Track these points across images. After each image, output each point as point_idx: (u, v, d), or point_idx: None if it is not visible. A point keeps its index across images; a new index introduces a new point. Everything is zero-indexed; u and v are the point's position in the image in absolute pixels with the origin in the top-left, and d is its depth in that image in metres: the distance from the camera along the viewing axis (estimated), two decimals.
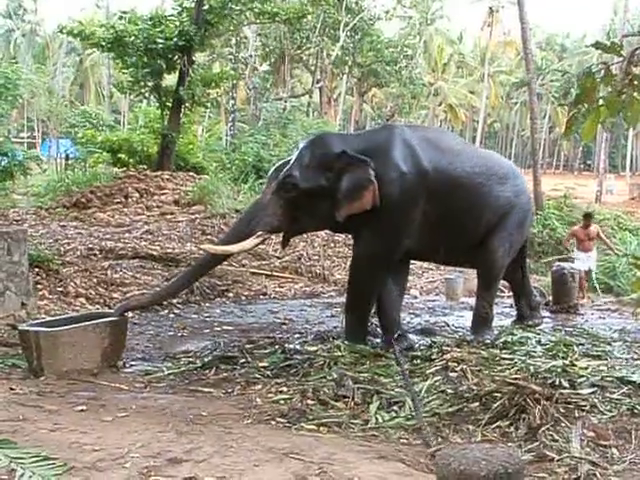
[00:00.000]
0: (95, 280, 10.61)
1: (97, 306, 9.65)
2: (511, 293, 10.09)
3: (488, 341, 7.90)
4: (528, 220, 9.20)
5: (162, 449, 4.42)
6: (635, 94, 4.61)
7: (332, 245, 14.53)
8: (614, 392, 5.76)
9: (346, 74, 43.92)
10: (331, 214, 7.53)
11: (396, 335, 7.86)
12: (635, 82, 4.58)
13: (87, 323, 6.80)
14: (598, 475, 4.36)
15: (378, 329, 8.64)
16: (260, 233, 7.54)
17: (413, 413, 5.49)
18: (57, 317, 7.65)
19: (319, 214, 7.65)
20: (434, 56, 62.13)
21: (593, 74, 4.62)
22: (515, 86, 60.81)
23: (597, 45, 4.81)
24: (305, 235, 14.46)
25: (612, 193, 44.45)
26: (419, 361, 6.94)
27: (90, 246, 12.33)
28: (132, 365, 7.10)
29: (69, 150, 30.42)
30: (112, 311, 7.54)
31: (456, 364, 6.57)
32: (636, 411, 5.37)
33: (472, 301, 10.64)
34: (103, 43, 18.82)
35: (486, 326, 8.58)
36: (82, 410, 5.40)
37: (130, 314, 8.79)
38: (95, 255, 11.97)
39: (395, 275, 8.21)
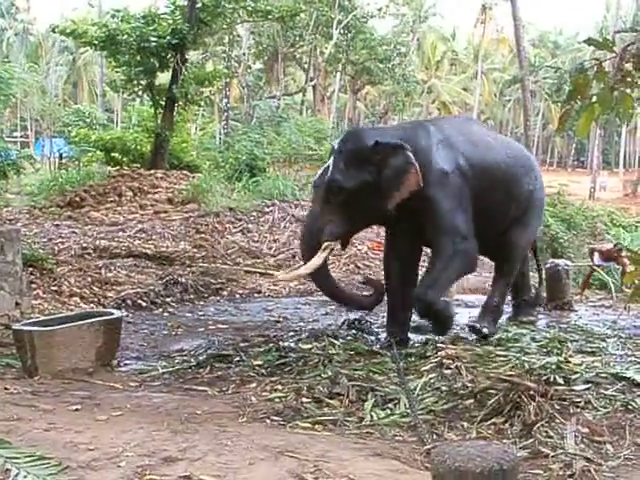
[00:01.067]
0: (89, 279, 10.59)
1: (92, 305, 9.62)
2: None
3: (486, 331, 7.92)
4: (543, 211, 9.42)
5: (157, 448, 4.41)
6: (627, 90, 4.62)
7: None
8: (608, 388, 5.76)
9: (339, 72, 43.99)
10: (381, 206, 7.52)
11: (399, 338, 7.85)
12: (627, 78, 4.59)
13: (81, 322, 6.79)
14: (593, 471, 4.36)
15: (373, 327, 8.67)
16: (326, 245, 7.56)
17: (408, 410, 5.50)
18: (51, 316, 7.64)
19: (371, 209, 7.61)
20: (427, 54, 62.23)
21: (585, 70, 4.62)
22: (508, 83, 60.87)
23: (589, 41, 4.81)
24: (299, 233, 14.47)
25: (605, 190, 44.56)
26: (413, 358, 6.94)
27: (84, 245, 12.32)
28: (126, 364, 7.08)
29: (62, 149, 30.41)
30: (106, 310, 7.53)
31: (450, 361, 6.57)
32: (630, 407, 5.37)
33: (466, 299, 10.69)
34: (96, 42, 18.81)
35: (492, 318, 8.61)
36: (77, 409, 5.39)
37: (124, 313, 8.80)
38: (89, 254, 11.96)
39: (407, 272, 8.23)
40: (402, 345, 7.60)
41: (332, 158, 7.70)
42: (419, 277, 8.22)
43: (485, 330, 7.97)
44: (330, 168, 7.60)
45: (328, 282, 8.04)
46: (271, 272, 12.01)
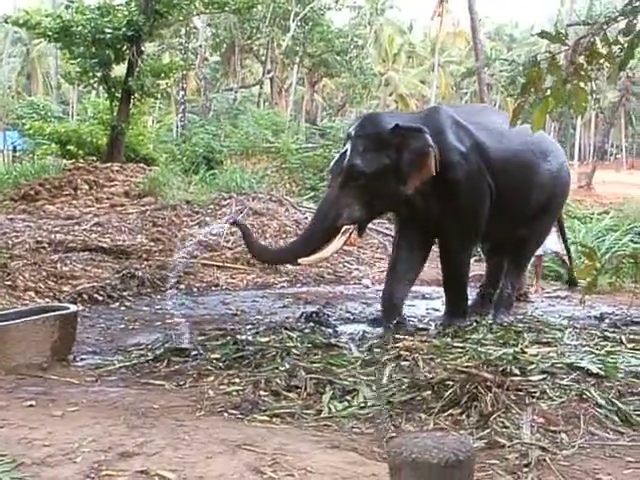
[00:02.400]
0: (44, 273, 10.47)
1: (47, 299, 9.52)
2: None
3: (506, 322, 8.21)
4: (566, 196, 9.73)
5: (113, 443, 4.38)
6: (581, 84, 4.66)
7: (284, 236, 14.48)
8: (563, 378, 5.82)
9: (297, 64, 43.92)
10: (400, 190, 7.69)
11: (395, 322, 7.96)
12: (580, 71, 4.63)
13: (36, 317, 6.71)
14: (548, 460, 4.41)
15: (330, 319, 8.69)
16: (345, 228, 7.68)
17: (367, 402, 5.51)
18: (5, 311, 7.53)
19: (390, 193, 7.78)
20: (384, 46, 62.29)
21: (539, 63, 4.65)
22: (463, 75, 61.16)
23: (542, 34, 4.86)
24: (256, 226, 14.44)
25: None
26: (372, 350, 6.95)
27: (39, 239, 12.16)
28: (82, 359, 7.01)
29: (16, 142, 30.05)
30: (62, 305, 7.46)
31: (408, 353, 6.61)
32: (585, 396, 5.43)
33: (424, 290, 10.75)
34: (50, 33, 18.54)
35: (507, 308, 8.83)
36: (31, 405, 5.32)
37: (80, 307, 8.71)
38: (44, 248, 11.81)
39: (411, 261, 8.32)
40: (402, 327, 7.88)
41: (349, 143, 7.81)
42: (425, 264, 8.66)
43: (505, 321, 8.31)
44: (348, 153, 7.67)
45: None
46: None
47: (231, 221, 9.87)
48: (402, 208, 8.17)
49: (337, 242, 7.72)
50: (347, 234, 7.81)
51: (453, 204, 7.94)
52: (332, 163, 8.17)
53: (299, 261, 8.41)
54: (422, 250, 8.49)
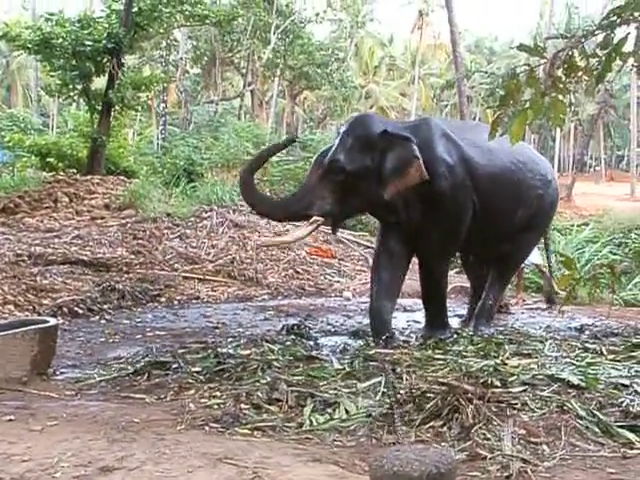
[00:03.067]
0: (24, 286, 10.41)
1: (26, 313, 9.46)
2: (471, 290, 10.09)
3: (487, 334, 8.25)
4: (553, 213, 9.83)
5: (93, 458, 4.35)
6: (559, 96, 4.69)
7: (264, 248, 14.49)
8: (544, 390, 5.82)
9: (277, 77, 43.92)
10: (379, 194, 7.71)
11: (385, 337, 7.91)
12: (558, 84, 4.66)
13: (15, 330, 6.67)
14: (529, 472, 4.40)
15: (311, 332, 8.69)
16: (314, 219, 7.78)
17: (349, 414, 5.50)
18: None
19: (367, 195, 7.82)
20: (365, 59, 62.49)
21: (517, 76, 4.68)
22: (442, 87, 61.43)
23: (521, 47, 4.89)
24: (237, 238, 14.44)
25: None
26: (353, 362, 6.94)
27: (19, 252, 12.10)
28: (62, 372, 6.96)
29: None
30: (42, 318, 7.41)
31: (390, 365, 6.61)
32: (566, 408, 5.44)
33: (405, 302, 10.76)
34: (30, 45, 18.49)
35: (487, 320, 8.88)
36: (10, 420, 5.28)
37: (60, 320, 8.67)
38: (24, 261, 11.75)
39: (394, 272, 8.33)
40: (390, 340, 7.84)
41: (337, 140, 7.86)
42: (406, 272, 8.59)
43: (486, 333, 8.36)
44: (333, 148, 7.75)
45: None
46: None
47: None
48: (382, 213, 8.21)
49: (303, 230, 7.82)
50: (314, 225, 7.89)
51: (435, 214, 7.97)
52: (317, 154, 8.28)
53: (259, 242, 8.52)
54: (404, 260, 8.50)
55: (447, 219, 8.10)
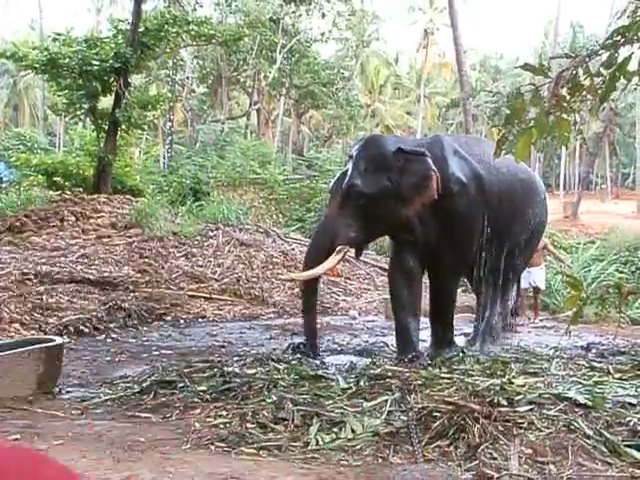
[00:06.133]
0: (30, 305, 10.43)
1: (32, 332, 9.48)
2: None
3: (493, 353, 8.29)
4: (543, 234, 9.97)
5: (99, 477, 4.35)
6: (564, 115, 4.70)
7: (270, 267, 14.51)
8: (551, 409, 5.80)
9: (283, 96, 44.07)
10: (400, 213, 7.73)
11: (411, 356, 7.90)
12: (563, 103, 4.67)
13: (22, 349, 6.68)
14: None
15: (317, 350, 8.67)
16: (340, 248, 7.71)
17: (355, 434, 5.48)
18: None
19: (389, 215, 7.82)
20: (370, 78, 62.57)
21: (522, 95, 4.69)
22: (447, 106, 61.53)
23: (525, 67, 4.91)
24: (243, 257, 14.45)
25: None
26: (361, 382, 6.92)
27: (25, 271, 12.12)
28: (68, 391, 6.98)
29: (3, 173, 29.95)
30: (48, 337, 7.43)
31: (398, 383, 6.58)
32: (572, 427, 5.42)
33: None
34: (37, 65, 18.57)
35: (491, 337, 8.88)
36: (16, 439, 5.28)
37: (66, 339, 8.68)
38: (30, 280, 11.77)
39: (412, 290, 8.32)
40: (418, 361, 7.76)
41: (351, 163, 7.84)
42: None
43: (491, 350, 8.48)
44: (349, 173, 7.70)
45: (312, 297, 8.20)
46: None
47: None
48: (400, 232, 8.19)
49: (331, 260, 7.75)
50: (342, 253, 7.85)
51: (450, 233, 7.99)
52: (332, 182, 8.24)
53: (291, 277, 8.52)
54: (420, 278, 8.51)
55: (461, 236, 8.12)
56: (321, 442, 5.37)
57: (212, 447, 5.23)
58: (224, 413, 6.03)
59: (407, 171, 7.70)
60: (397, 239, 8.46)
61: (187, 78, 41.26)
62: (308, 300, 8.51)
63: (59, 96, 20.49)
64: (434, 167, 7.66)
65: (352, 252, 8.38)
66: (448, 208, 7.84)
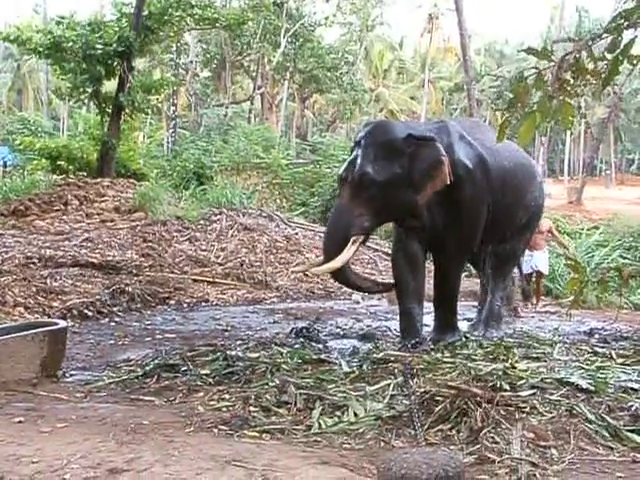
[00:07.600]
0: (34, 289, 10.45)
1: (36, 315, 9.50)
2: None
3: (497, 338, 8.25)
4: (541, 217, 9.92)
5: (102, 459, 4.36)
6: (567, 99, 4.68)
7: (274, 251, 14.52)
8: (553, 393, 5.81)
9: (287, 80, 44.01)
10: (412, 200, 7.68)
11: (414, 341, 7.88)
12: (567, 87, 4.65)
13: (25, 333, 6.70)
14: (538, 475, 4.41)
15: (320, 334, 8.68)
16: (354, 238, 7.63)
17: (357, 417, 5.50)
18: None
19: (401, 202, 7.76)
20: (375, 62, 62.47)
21: (525, 79, 4.68)
22: (451, 91, 61.40)
23: (528, 51, 4.88)
24: (246, 241, 14.46)
25: (550, 197, 45.00)
26: (364, 366, 6.93)
27: (29, 254, 12.14)
28: (72, 374, 6.99)
29: (6, 157, 29.96)
30: (51, 320, 7.44)
31: (400, 367, 6.59)
32: (574, 412, 5.43)
33: None
34: (40, 49, 18.53)
35: (497, 322, 8.87)
36: (20, 421, 5.30)
37: (70, 323, 8.70)
38: (34, 264, 11.78)
39: (416, 275, 8.30)
40: (421, 346, 7.74)
41: (359, 150, 7.72)
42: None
43: (496, 336, 8.41)
44: (359, 161, 7.62)
45: (348, 274, 8.16)
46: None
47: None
48: (408, 218, 8.15)
49: (347, 252, 7.64)
50: (357, 244, 7.77)
51: (456, 218, 7.97)
52: (341, 170, 8.08)
53: (311, 271, 8.49)
54: (423, 263, 8.50)
55: (467, 222, 8.10)
56: (324, 425, 5.39)
57: (215, 430, 5.25)
58: (227, 396, 6.05)
59: (418, 157, 7.61)
60: (403, 225, 8.41)
61: (191, 62, 41.17)
62: (347, 280, 8.37)
63: (63, 80, 20.47)
64: (444, 153, 7.62)
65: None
66: (454, 193, 7.81)
